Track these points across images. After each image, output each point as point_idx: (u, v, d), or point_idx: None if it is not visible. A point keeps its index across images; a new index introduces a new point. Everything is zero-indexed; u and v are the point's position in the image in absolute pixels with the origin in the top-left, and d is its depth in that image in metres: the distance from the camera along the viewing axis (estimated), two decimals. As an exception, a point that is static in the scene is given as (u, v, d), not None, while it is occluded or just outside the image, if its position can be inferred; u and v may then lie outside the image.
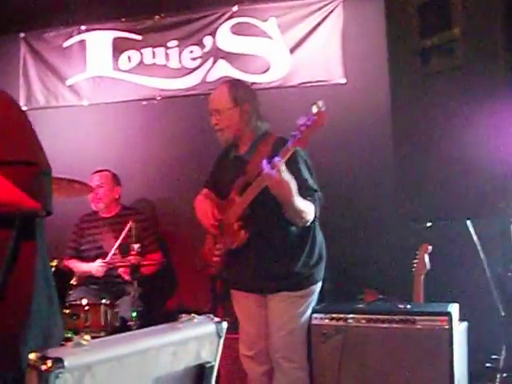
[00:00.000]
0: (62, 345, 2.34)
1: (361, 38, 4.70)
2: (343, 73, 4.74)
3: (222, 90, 3.47)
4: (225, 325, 1.73)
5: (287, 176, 3.00)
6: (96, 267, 4.54)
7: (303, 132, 2.96)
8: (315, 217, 3.28)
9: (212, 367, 1.69)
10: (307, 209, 3.20)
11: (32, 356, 1.30)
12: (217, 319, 1.72)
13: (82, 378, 1.33)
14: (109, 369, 1.39)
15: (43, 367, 1.27)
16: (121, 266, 4.43)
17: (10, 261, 1.94)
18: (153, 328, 1.61)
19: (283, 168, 2.98)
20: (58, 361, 1.29)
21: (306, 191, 3.22)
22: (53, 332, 2.07)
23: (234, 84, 3.55)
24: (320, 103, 2.95)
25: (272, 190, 3.05)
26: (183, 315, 1.67)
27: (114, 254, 4.51)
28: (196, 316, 1.68)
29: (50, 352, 1.31)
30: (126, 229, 4.20)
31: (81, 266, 4.64)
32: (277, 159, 2.97)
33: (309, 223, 3.27)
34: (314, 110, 2.95)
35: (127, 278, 4.41)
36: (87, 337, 1.38)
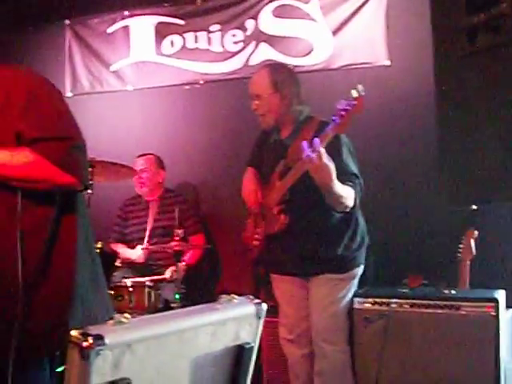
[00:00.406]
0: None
1: (406, 18, 4.60)
2: (387, 55, 4.66)
3: (262, 75, 3.44)
4: (264, 306, 1.72)
5: (327, 160, 2.96)
6: (136, 254, 4.59)
7: (343, 117, 2.93)
8: (355, 203, 3.23)
9: (251, 348, 1.68)
10: (347, 194, 3.16)
11: (73, 333, 1.31)
12: (256, 300, 1.72)
13: (122, 355, 1.35)
14: (148, 347, 1.40)
15: (84, 344, 1.29)
16: (163, 252, 4.46)
17: (52, 238, 1.97)
18: (192, 308, 1.62)
19: (323, 151, 2.95)
20: (99, 338, 1.30)
21: (346, 176, 3.19)
22: (97, 309, 2.10)
23: (274, 68, 3.51)
24: (360, 87, 2.91)
25: (312, 173, 3.02)
26: (223, 296, 1.67)
27: (155, 238, 4.55)
28: (235, 297, 1.68)
29: (91, 329, 1.32)
30: (176, 215, 4.20)
31: (123, 252, 4.69)
32: (316, 142, 2.93)
33: (348, 209, 3.23)
34: (354, 94, 2.91)
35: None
36: (127, 315, 1.39)
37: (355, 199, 3.22)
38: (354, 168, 3.28)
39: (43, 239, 1.95)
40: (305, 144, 2.96)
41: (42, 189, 1.95)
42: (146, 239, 4.65)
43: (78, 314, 2.00)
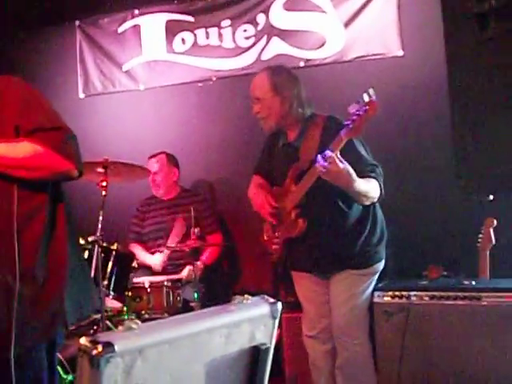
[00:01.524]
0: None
1: (417, 7, 4.56)
2: (400, 45, 4.61)
3: (262, 78, 3.42)
4: (279, 306, 1.70)
5: (342, 165, 2.94)
6: (155, 263, 4.57)
7: (355, 121, 2.89)
8: (381, 192, 3.21)
9: (267, 349, 1.66)
10: (371, 187, 3.15)
11: (83, 340, 1.30)
12: (271, 300, 1.69)
13: (134, 361, 1.33)
14: (160, 352, 1.38)
15: (94, 352, 1.27)
16: (181, 251, 4.45)
17: (46, 225, 2.09)
18: (205, 310, 1.60)
19: (336, 159, 2.92)
20: (109, 345, 1.28)
21: (366, 168, 3.17)
22: (88, 294, 2.29)
23: (273, 71, 3.46)
24: (371, 91, 2.87)
25: (332, 182, 3.01)
26: (236, 296, 1.64)
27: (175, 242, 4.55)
28: (249, 297, 1.65)
29: (101, 336, 1.31)
30: (192, 214, 4.18)
31: (142, 257, 4.66)
32: (328, 153, 2.91)
33: (376, 199, 3.22)
34: (366, 98, 2.87)
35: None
36: (137, 321, 1.37)
37: (380, 189, 3.19)
38: (370, 158, 3.26)
39: (39, 228, 2.05)
40: (319, 157, 2.94)
41: (41, 177, 2.08)
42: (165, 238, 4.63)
43: (72, 297, 2.13)
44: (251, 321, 1.62)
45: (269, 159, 3.62)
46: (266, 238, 3.58)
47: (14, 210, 1.98)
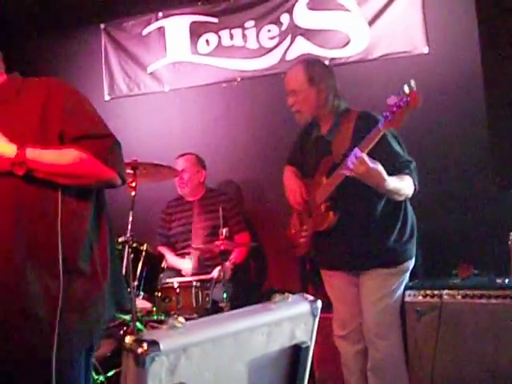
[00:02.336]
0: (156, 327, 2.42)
1: (443, 3, 4.53)
2: (425, 42, 4.58)
3: (297, 70, 3.41)
4: (319, 304, 1.69)
5: (372, 164, 2.93)
6: (186, 267, 4.58)
7: (395, 113, 2.87)
8: (415, 188, 3.19)
9: (308, 347, 1.65)
10: (404, 185, 3.13)
11: (128, 339, 1.29)
12: (311, 298, 1.68)
13: (178, 360, 1.32)
14: (203, 351, 1.37)
15: (139, 350, 1.27)
16: (209, 251, 4.45)
17: (92, 230, 2.10)
18: (246, 309, 1.59)
19: (365, 158, 2.91)
20: (154, 344, 1.28)
21: (399, 164, 3.16)
22: (123, 302, 2.31)
23: (309, 63, 3.47)
24: (412, 82, 2.84)
25: (362, 180, 3.00)
26: (277, 295, 1.63)
27: (199, 238, 4.55)
28: (290, 295, 1.64)
29: (146, 335, 1.30)
30: (220, 214, 4.17)
31: (171, 260, 4.65)
32: (358, 153, 2.91)
33: (409, 195, 3.20)
34: (406, 90, 2.84)
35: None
36: (181, 319, 1.37)
37: (415, 184, 3.18)
38: (404, 153, 3.24)
39: (82, 234, 2.06)
40: (349, 157, 2.95)
41: (85, 184, 2.08)
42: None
43: (111, 306, 2.16)
44: (292, 319, 1.61)
45: (301, 151, 3.61)
46: (293, 231, 3.58)
47: (59, 214, 1.99)
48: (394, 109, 2.87)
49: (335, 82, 3.42)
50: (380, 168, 2.96)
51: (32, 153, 1.96)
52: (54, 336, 1.91)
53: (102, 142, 2.06)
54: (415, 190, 3.19)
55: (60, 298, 1.94)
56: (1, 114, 2.07)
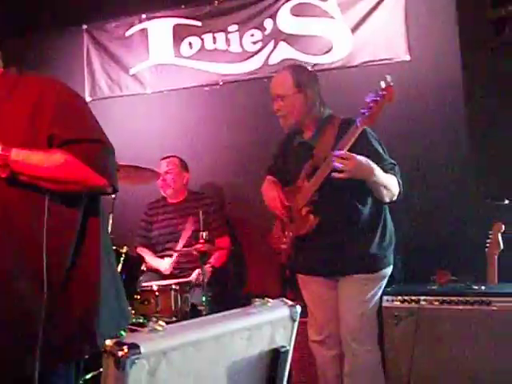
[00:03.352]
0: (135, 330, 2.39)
1: (425, 12, 4.56)
2: (407, 50, 4.62)
3: (285, 75, 3.42)
4: (298, 308, 1.71)
5: (358, 157, 2.98)
6: (164, 266, 4.57)
7: (372, 108, 2.94)
8: (400, 190, 3.23)
9: (287, 352, 1.66)
10: (392, 181, 3.19)
11: (108, 342, 1.30)
12: (290, 303, 1.70)
13: (158, 363, 1.33)
14: (184, 354, 1.38)
15: (120, 353, 1.27)
16: (189, 254, 4.44)
17: (78, 241, 2.00)
18: (227, 313, 1.60)
19: (350, 154, 2.98)
20: (135, 347, 1.28)
21: (385, 166, 3.21)
22: (118, 314, 2.15)
23: (296, 69, 3.50)
24: (388, 78, 2.94)
25: (353, 177, 3.04)
26: (257, 299, 1.64)
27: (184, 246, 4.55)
28: (270, 300, 1.66)
29: (126, 338, 1.31)
30: (201, 217, 4.15)
31: (150, 260, 4.65)
32: (339, 152, 2.99)
33: (395, 196, 3.24)
34: (383, 85, 2.93)
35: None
36: (162, 322, 1.37)
37: (399, 185, 3.23)
38: (387, 157, 3.29)
39: (69, 242, 1.97)
40: (334, 160, 3.00)
41: (72, 190, 1.98)
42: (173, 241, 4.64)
43: (103, 318, 2.02)
44: (271, 323, 1.62)
45: (283, 158, 3.63)
46: (275, 237, 3.59)
47: (44, 221, 1.90)
48: (371, 104, 2.94)
49: (320, 89, 3.45)
50: (366, 159, 3.03)
51: (17, 155, 1.88)
52: (37, 348, 1.83)
53: (92, 146, 1.97)
54: (400, 191, 3.23)
55: (43, 309, 1.85)
56: None
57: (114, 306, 2.11)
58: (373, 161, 3.09)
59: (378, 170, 3.08)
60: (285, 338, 1.67)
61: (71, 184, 1.96)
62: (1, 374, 1.89)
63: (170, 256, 4.56)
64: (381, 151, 3.26)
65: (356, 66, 4.79)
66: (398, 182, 3.21)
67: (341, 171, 3.02)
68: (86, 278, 1.99)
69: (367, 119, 2.97)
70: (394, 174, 3.21)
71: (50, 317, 1.87)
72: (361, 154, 3.05)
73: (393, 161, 3.28)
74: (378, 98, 2.92)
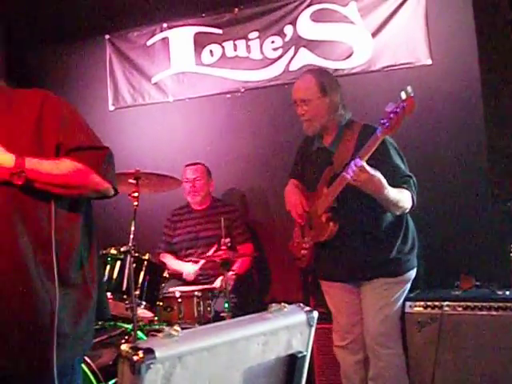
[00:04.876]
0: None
1: (446, 15, 4.54)
2: (428, 54, 4.60)
3: (309, 80, 3.41)
4: (315, 314, 1.69)
5: (373, 171, 2.95)
6: (187, 271, 4.58)
7: (392, 119, 2.90)
8: (413, 203, 3.20)
9: (304, 357, 1.65)
10: (403, 197, 3.15)
11: (124, 347, 1.31)
12: (307, 308, 1.69)
13: (173, 368, 1.33)
14: (199, 359, 1.38)
15: (135, 358, 1.28)
16: (213, 262, 4.44)
17: (84, 237, 2.14)
18: (242, 318, 1.60)
19: (366, 167, 2.95)
20: (150, 351, 1.29)
21: (400, 179, 3.18)
22: (107, 309, 2.35)
23: (320, 73, 3.49)
24: (409, 89, 2.88)
25: (362, 188, 3.03)
26: (273, 304, 1.64)
27: (202, 248, 4.56)
28: (286, 305, 1.65)
29: (142, 343, 1.32)
30: (223, 224, 4.16)
31: (174, 265, 4.68)
32: (358, 161, 2.95)
33: (407, 210, 3.21)
34: (403, 96, 2.88)
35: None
36: (177, 327, 1.38)
37: (413, 199, 3.19)
38: (404, 168, 3.26)
39: (76, 240, 2.10)
40: (350, 164, 2.98)
41: (80, 195, 2.11)
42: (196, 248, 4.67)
43: (99, 312, 2.21)
44: (288, 329, 1.61)
45: (302, 163, 3.62)
46: (295, 243, 3.59)
47: (52, 223, 2.01)
48: (391, 115, 2.90)
49: (342, 93, 3.44)
50: (380, 176, 2.99)
51: (30, 163, 1.98)
52: (53, 347, 1.93)
53: (97, 153, 2.10)
54: (413, 204, 3.21)
55: (56, 307, 1.96)
56: None
57: (99, 299, 2.25)
58: (388, 174, 3.06)
59: (388, 190, 3.04)
60: (302, 344, 1.66)
61: (80, 188, 2.08)
62: (21, 371, 1.96)
63: (192, 261, 4.57)
64: (398, 163, 3.24)
65: (377, 71, 4.78)
66: (412, 197, 3.18)
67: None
68: (87, 276, 2.12)
69: (387, 130, 2.94)
70: (408, 188, 3.18)
71: (63, 313, 1.99)
72: (377, 165, 3.03)
73: (409, 173, 3.25)
74: (399, 110, 2.87)
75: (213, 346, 1.42)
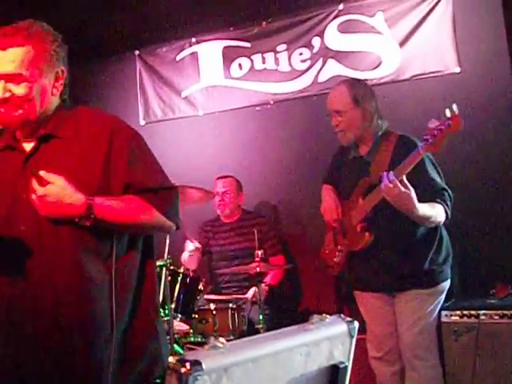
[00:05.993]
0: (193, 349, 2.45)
1: (473, 23, 4.53)
2: (457, 61, 4.59)
3: (342, 91, 3.41)
4: (356, 324, 1.70)
5: (404, 190, 2.94)
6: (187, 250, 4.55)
7: (436, 137, 2.85)
8: (447, 216, 3.17)
9: (345, 367, 1.66)
10: (435, 213, 3.12)
11: (171, 359, 1.33)
12: (348, 319, 1.70)
13: (220, 380, 1.35)
14: (244, 371, 1.40)
15: (182, 370, 1.29)
16: (245, 273, 4.46)
17: (138, 281, 2.12)
18: (285, 329, 1.61)
19: (398, 184, 2.92)
20: (197, 363, 1.31)
21: (434, 193, 3.16)
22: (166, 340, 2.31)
23: (353, 84, 3.48)
24: (454, 107, 2.84)
25: (391, 203, 3.02)
26: (314, 315, 1.65)
27: (235, 260, 4.59)
28: (327, 316, 1.66)
29: (188, 355, 1.34)
30: (256, 237, 4.16)
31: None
32: (391, 176, 2.93)
33: (440, 223, 3.19)
34: (448, 114, 2.84)
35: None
36: (222, 339, 1.40)
37: (446, 213, 3.16)
38: (440, 182, 3.23)
39: (131, 283, 2.09)
40: (384, 174, 2.96)
41: (144, 233, 2.14)
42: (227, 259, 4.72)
43: (164, 345, 2.19)
44: (330, 339, 1.62)
45: (337, 171, 3.63)
46: (326, 251, 3.59)
47: (113, 263, 2.02)
48: (435, 132, 2.85)
49: (377, 103, 3.43)
50: (412, 194, 2.96)
51: (100, 205, 1.96)
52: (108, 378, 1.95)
53: (165, 195, 2.11)
54: (447, 218, 3.18)
55: (113, 345, 1.98)
56: (59, 151, 2.06)
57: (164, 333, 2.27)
58: (424, 188, 3.05)
59: (418, 209, 3.01)
60: (343, 354, 1.67)
61: (145, 229, 2.11)
62: None
63: (224, 274, 4.60)
64: (434, 176, 3.21)
65: (406, 80, 4.79)
66: (446, 209, 3.15)
67: None
68: (147, 314, 2.13)
69: (430, 147, 2.89)
70: (442, 202, 3.14)
71: (120, 359, 2.01)
72: (413, 179, 2.99)
73: (445, 186, 3.22)
74: (443, 127, 2.82)
75: (257, 358, 1.43)
